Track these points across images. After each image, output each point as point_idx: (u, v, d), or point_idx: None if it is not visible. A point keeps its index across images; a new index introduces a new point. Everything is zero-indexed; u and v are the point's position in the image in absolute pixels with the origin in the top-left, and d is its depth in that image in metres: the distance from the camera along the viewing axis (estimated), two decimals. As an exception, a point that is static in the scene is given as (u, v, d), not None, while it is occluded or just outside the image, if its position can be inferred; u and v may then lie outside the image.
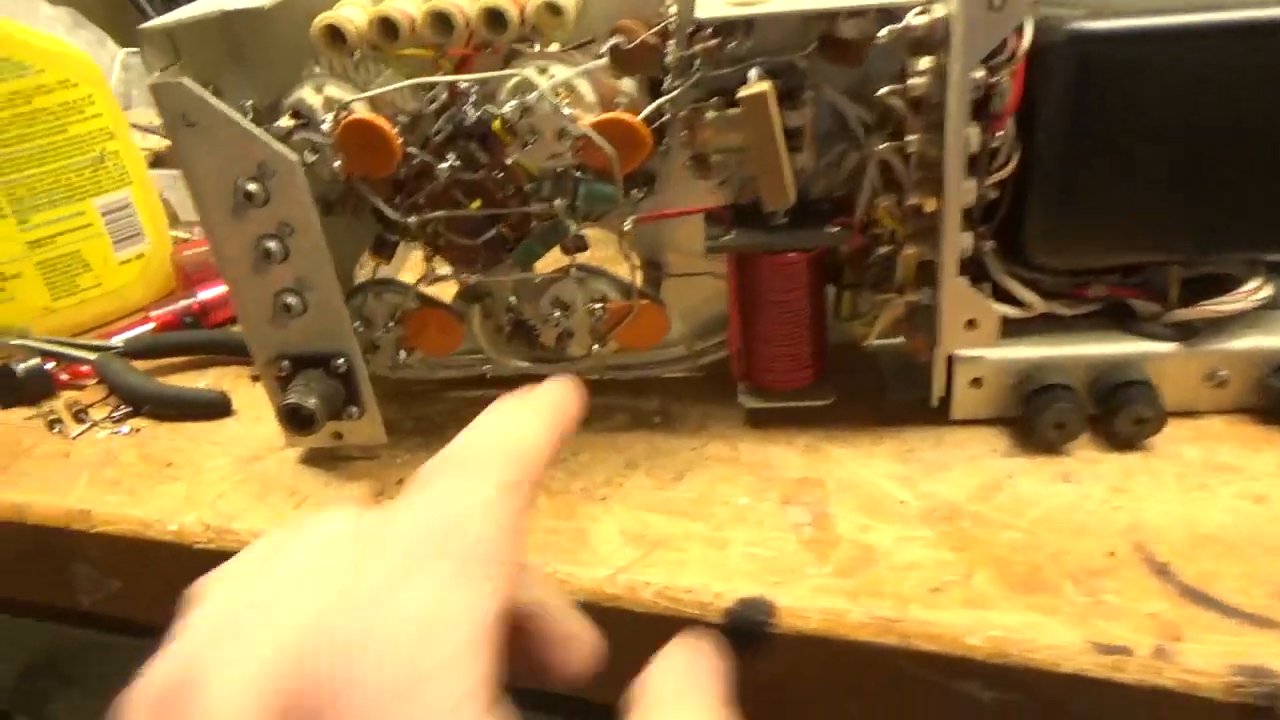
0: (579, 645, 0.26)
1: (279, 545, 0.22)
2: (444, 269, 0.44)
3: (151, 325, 0.59)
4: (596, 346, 0.45)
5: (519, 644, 0.24)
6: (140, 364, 0.56)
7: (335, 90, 0.39)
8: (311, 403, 0.42)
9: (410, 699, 0.18)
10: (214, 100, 0.37)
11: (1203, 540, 0.35)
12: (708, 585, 0.36)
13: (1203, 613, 0.32)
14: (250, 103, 0.40)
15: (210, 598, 0.22)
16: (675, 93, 0.40)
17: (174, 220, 0.72)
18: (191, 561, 0.43)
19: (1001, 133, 0.37)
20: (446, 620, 0.19)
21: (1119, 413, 0.40)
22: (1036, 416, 0.40)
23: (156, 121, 0.84)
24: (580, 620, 0.26)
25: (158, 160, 0.78)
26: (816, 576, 0.36)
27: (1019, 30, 0.35)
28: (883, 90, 0.37)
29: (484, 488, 0.22)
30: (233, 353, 0.56)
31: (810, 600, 0.34)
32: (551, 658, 0.25)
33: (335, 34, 0.39)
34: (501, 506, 0.22)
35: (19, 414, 0.54)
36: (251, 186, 0.38)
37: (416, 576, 0.20)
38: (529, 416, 0.24)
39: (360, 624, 0.19)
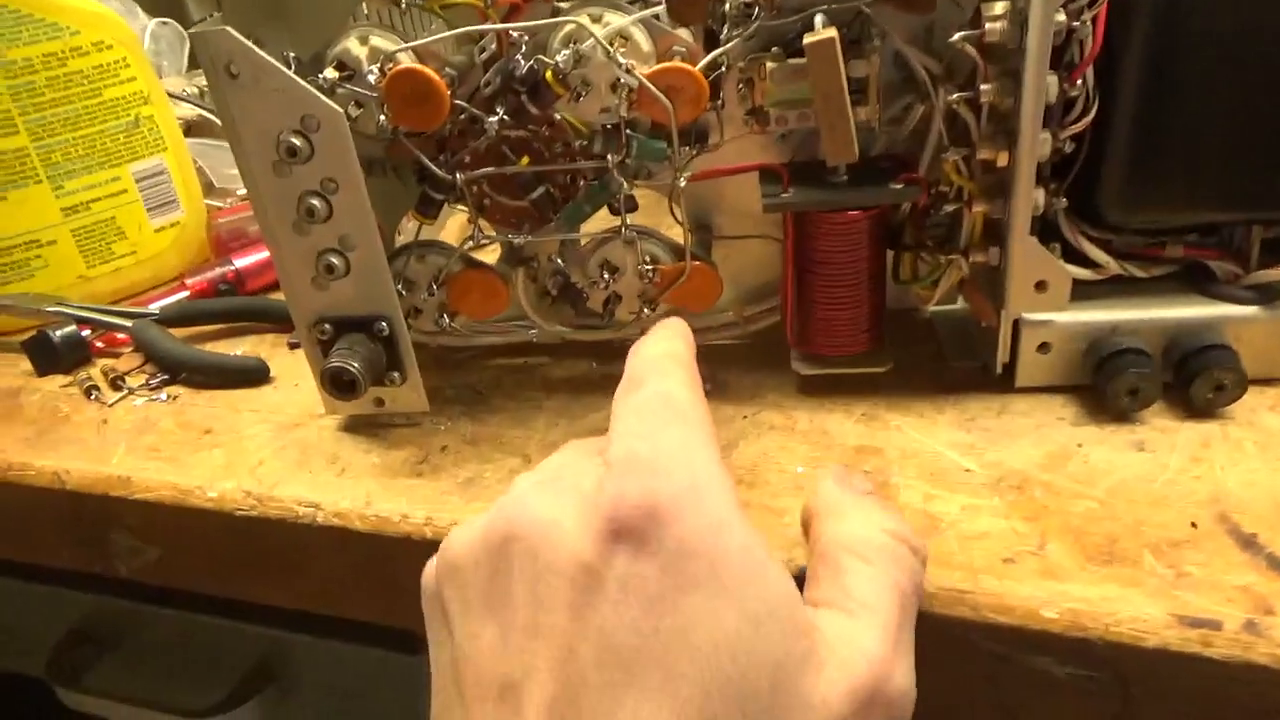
0: None
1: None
2: (489, 231, 0.43)
3: (187, 293, 0.59)
4: (646, 311, 0.43)
5: None
6: (176, 331, 0.55)
7: (381, 41, 0.38)
8: (355, 366, 0.40)
9: (695, 488, 0.25)
10: (258, 50, 0.36)
11: (1292, 511, 0.33)
12: (768, 554, 0.34)
13: (1295, 585, 0.31)
14: (293, 55, 0.39)
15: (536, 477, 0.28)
16: (733, 43, 0.38)
17: (208, 189, 0.72)
18: (231, 529, 0.42)
19: (1080, 81, 0.35)
20: (693, 445, 0.26)
21: (1196, 379, 0.38)
22: (1109, 383, 0.38)
23: (189, 89, 0.84)
24: None
25: (190, 129, 0.77)
26: (882, 546, 0.34)
27: (1103, -29, 0.33)
28: (956, 36, 0.36)
29: (674, 379, 0.29)
30: (270, 320, 0.55)
31: (877, 570, 0.33)
32: None
33: (381, -19, 0.37)
34: (695, 387, 0.29)
35: (56, 381, 0.53)
36: (295, 140, 0.37)
37: (658, 430, 0.26)
38: (671, 341, 0.31)
39: (647, 449, 0.26)
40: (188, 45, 0.97)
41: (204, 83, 0.86)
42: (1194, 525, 0.33)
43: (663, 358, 0.30)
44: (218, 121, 0.79)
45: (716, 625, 0.23)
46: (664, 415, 0.27)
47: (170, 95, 0.72)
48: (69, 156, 0.58)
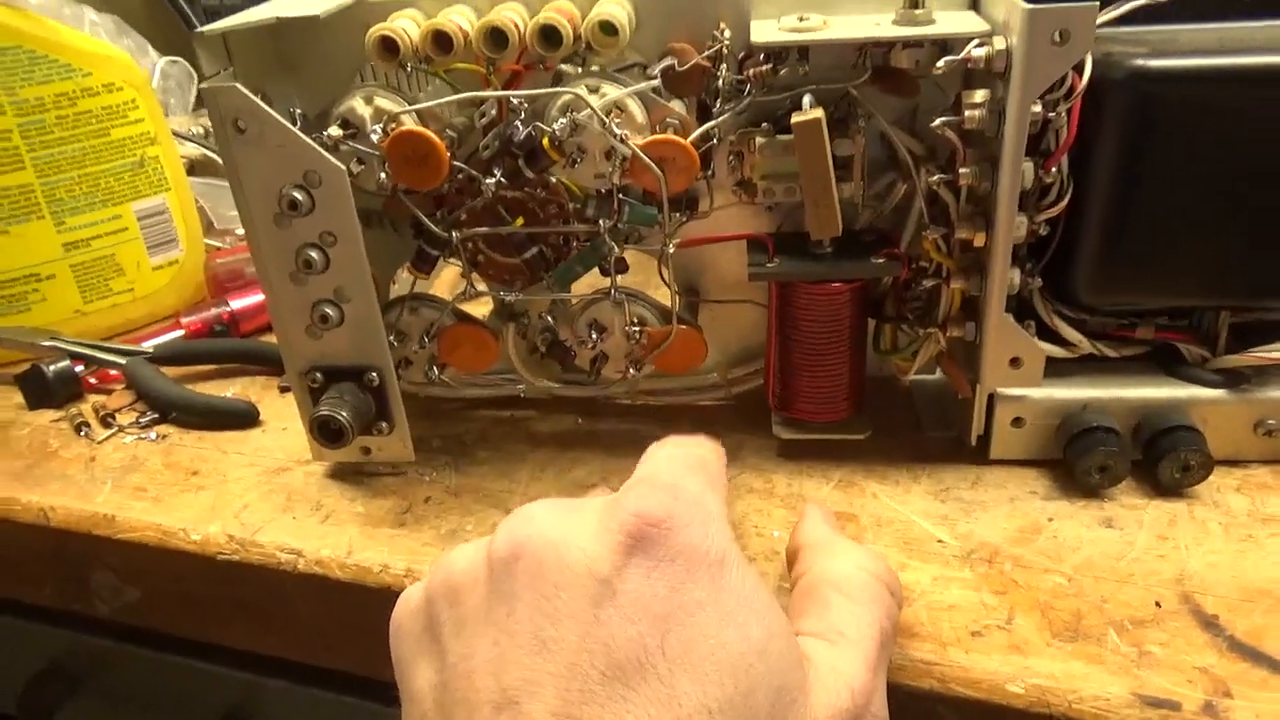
0: None
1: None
2: (482, 286, 0.44)
3: (181, 332, 0.59)
4: (632, 371, 0.44)
5: None
6: (169, 370, 0.55)
7: (385, 101, 0.39)
8: (343, 415, 0.41)
9: (706, 532, 0.26)
10: (265, 107, 0.37)
11: (1252, 593, 0.34)
12: (741, 618, 0.35)
13: (1253, 669, 0.31)
14: (299, 111, 0.40)
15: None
16: (725, 117, 0.39)
17: (208, 228, 0.73)
18: (212, 573, 0.42)
19: (1055, 169, 0.37)
20: (708, 504, 0.27)
21: (1164, 459, 0.39)
22: (1079, 459, 0.39)
23: (194, 129, 0.85)
24: None
25: (194, 168, 0.78)
26: (853, 614, 0.35)
27: (1079, 66, 0.35)
28: (937, 121, 0.37)
29: (706, 454, 0.31)
30: (262, 363, 0.56)
31: (847, 638, 0.34)
32: None
33: (388, 45, 0.39)
34: (720, 458, 0.32)
35: (47, 415, 0.53)
36: (297, 194, 0.38)
37: (684, 480, 0.28)
38: (700, 448, 0.32)
39: (667, 476, 0.28)
40: (195, 84, 0.99)
41: (209, 123, 0.87)
42: (1158, 604, 0.34)
43: (682, 464, 0.30)
44: (221, 161, 0.81)
45: (721, 647, 0.24)
46: (692, 466, 0.29)
47: (175, 134, 0.74)
48: (73, 193, 0.59)
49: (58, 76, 0.57)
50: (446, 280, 0.55)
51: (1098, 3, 0.33)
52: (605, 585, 0.24)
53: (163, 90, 0.99)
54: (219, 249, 0.69)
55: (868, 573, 0.31)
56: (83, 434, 0.51)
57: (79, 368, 0.55)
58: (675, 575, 0.25)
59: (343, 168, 0.38)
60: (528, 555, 0.26)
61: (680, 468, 0.29)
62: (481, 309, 0.47)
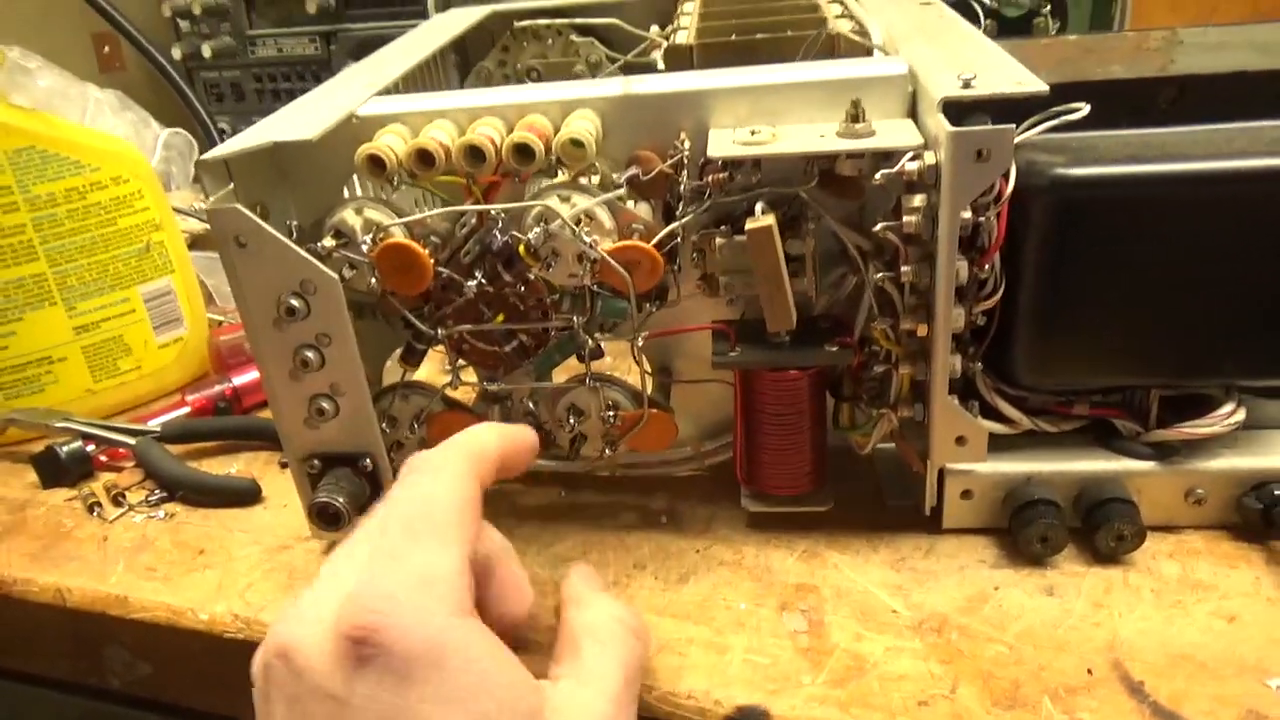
0: (524, 587, 0.36)
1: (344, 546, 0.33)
2: (467, 374, 0.47)
3: (187, 409, 0.62)
4: (608, 450, 0.47)
5: (483, 593, 0.34)
6: (175, 447, 0.58)
7: (374, 214, 0.43)
8: (340, 501, 0.44)
9: (425, 625, 0.29)
10: (264, 225, 0.40)
11: (1177, 659, 0.37)
12: (708, 691, 0.38)
13: (1175, 732, 0.34)
14: (294, 222, 0.44)
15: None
16: (687, 219, 0.43)
17: (209, 301, 0.76)
18: (219, 649, 0.45)
19: (989, 265, 0.40)
20: (435, 570, 0.30)
21: (1100, 529, 0.42)
22: (1022, 530, 0.42)
23: (196, 204, 0.89)
24: (522, 568, 0.37)
25: (195, 242, 0.82)
26: (810, 685, 0.38)
27: (1005, 174, 0.38)
28: (879, 225, 0.40)
29: (443, 478, 0.33)
30: (263, 439, 0.59)
31: (804, 710, 0.36)
32: (506, 598, 0.35)
33: (376, 162, 0.42)
34: (457, 489, 0.33)
35: (60, 495, 0.57)
36: (294, 301, 0.42)
37: (410, 546, 0.31)
38: (488, 433, 0.37)
39: (386, 583, 0.29)
40: (196, 154, 1.03)
41: (211, 195, 0.91)
42: (1090, 672, 0.37)
43: (455, 449, 0.35)
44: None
45: None
46: (418, 528, 0.31)
47: (177, 210, 0.77)
48: (83, 280, 0.63)
49: (68, 173, 0.61)
50: (436, 359, 0.58)
51: (1014, 125, 0.37)
52: (339, 702, 0.28)
53: (165, 160, 1.03)
54: (221, 323, 0.72)
55: (614, 619, 0.35)
56: (95, 513, 0.54)
57: (90, 447, 0.58)
58: (398, 683, 0.28)
59: (336, 278, 0.41)
60: (276, 666, 0.30)
61: (405, 537, 0.31)
62: (467, 391, 0.50)
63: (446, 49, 0.64)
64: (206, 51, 1.01)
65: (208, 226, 0.84)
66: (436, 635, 0.29)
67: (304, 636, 0.29)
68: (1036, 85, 0.38)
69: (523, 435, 0.39)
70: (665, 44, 0.63)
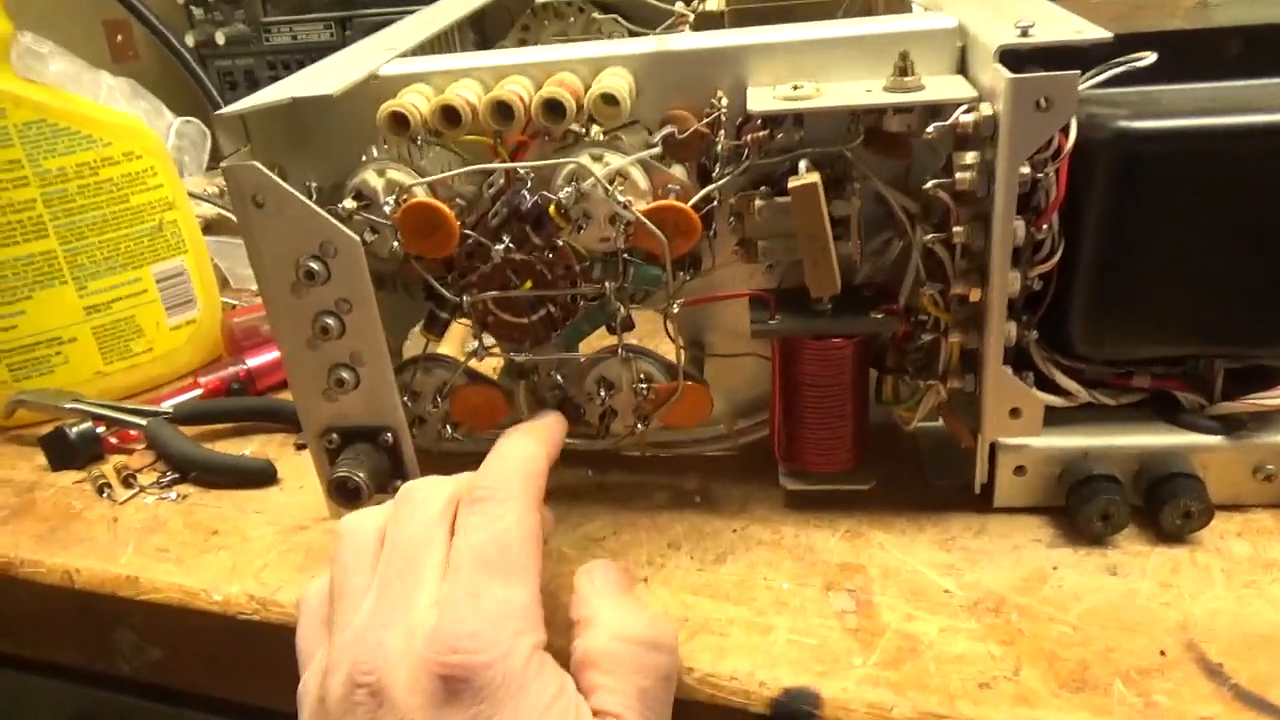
0: None
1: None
2: (492, 344, 0.45)
3: (199, 391, 0.61)
4: (640, 426, 0.45)
5: None
6: (187, 429, 0.57)
7: (397, 174, 0.41)
8: (360, 476, 0.42)
9: (506, 659, 0.30)
10: (282, 183, 0.39)
11: (1256, 641, 0.35)
12: (752, 673, 0.36)
13: (1260, 718, 0.32)
14: (314, 184, 0.42)
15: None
16: (724, 181, 0.41)
17: (223, 285, 0.74)
18: (233, 632, 0.43)
19: (1046, 226, 0.38)
20: (513, 606, 0.31)
21: (1165, 506, 0.40)
22: (1081, 507, 0.40)
23: (210, 189, 0.87)
24: None
25: (209, 227, 0.80)
26: (862, 667, 0.35)
27: (1065, 128, 0.36)
28: (930, 183, 0.38)
29: (511, 512, 0.34)
30: (278, 420, 0.57)
31: (856, 692, 0.34)
32: None
33: (399, 120, 0.40)
34: (526, 522, 0.34)
35: (69, 476, 0.55)
36: (314, 265, 0.40)
37: (488, 583, 0.32)
38: (532, 446, 0.37)
39: (469, 621, 0.31)
40: (209, 143, 1.01)
41: (224, 183, 0.89)
42: (1163, 653, 0.35)
43: (515, 475, 0.35)
44: (235, 220, 0.83)
45: None
46: (494, 565, 0.32)
47: (191, 194, 0.76)
48: (94, 259, 0.61)
49: (79, 147, 0.59)
50: (456, 333, 0.56)
51: (1079, 72, 0.34)
52: None
53: (177, 149, 1.01)
54: (235, 307, 0.70)
55: (621, 641, 0.33)
56: (105, 495, 0.52)
57: (100, 429, 0.57)
58: (484, 714, 0.29)
59: (357, 239, 0.40)
60: (363, 700, 0.30)
61: (482, 576, 0.32)
62: (491, 364, 0.48)
63: (464, 26, 0.63)
64: (220, 38, 1.00)
65: (221, 211, 0.83)
66: (519, 669, 0.30)
67: (393, 673, 0.30)
68: (1098, 33, 0.36)
69: (559, 430, 0.41)
70: (694, 16, 0.61)
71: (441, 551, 0.33)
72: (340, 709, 0.31)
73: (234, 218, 0.81)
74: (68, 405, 0.58)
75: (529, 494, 0.35)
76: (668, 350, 0.45)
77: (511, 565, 0.32)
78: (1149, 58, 0.36)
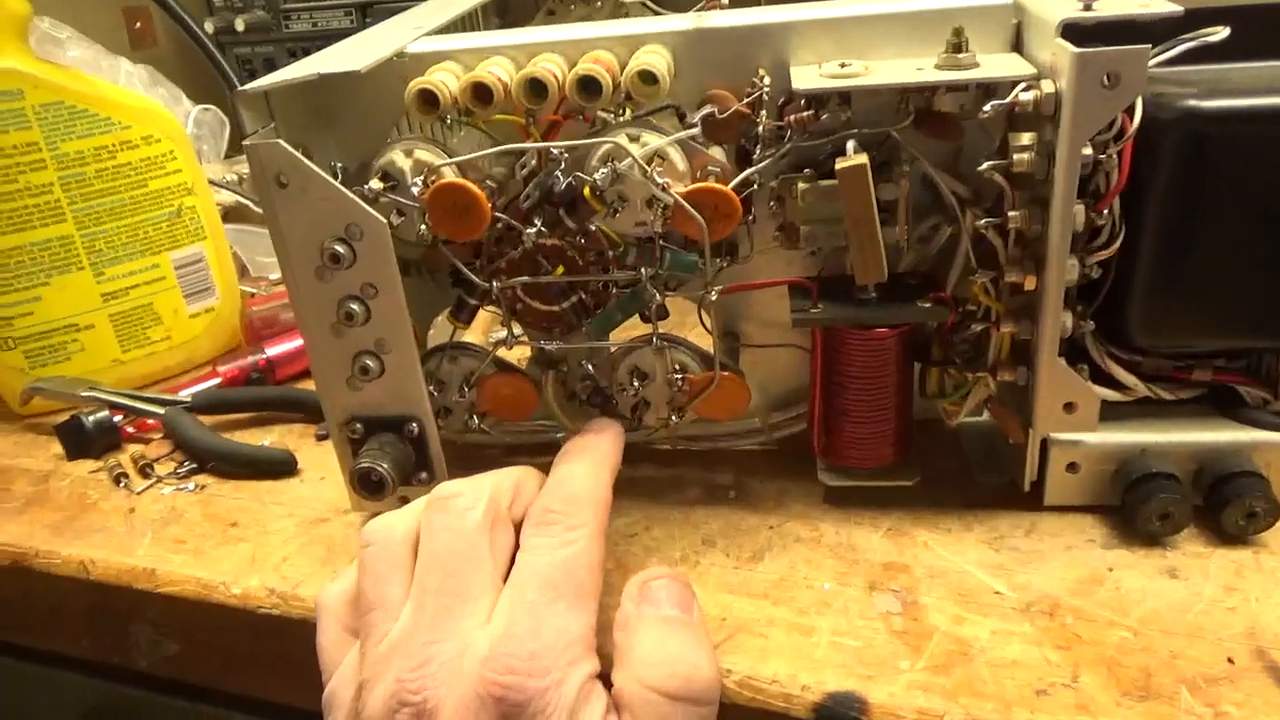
0: None
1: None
2: (521, 333, 0.44)
3: (218, 380, 0.59)
4: (674, 418, 0.44)
5: None
6: (206, 419, 0.55)
7: (425, 154, 0.39)
8: (384, 467, 0.41)
9: (560, 685, 0.30)
10: (308, 162, 0.37)
11: (1331, 649, 0.33)
12: (794, 676, 0.34)
13: (1337, 730, 0.30)
14: (339, 164, 0.41)
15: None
16: (765, 163, 0.39)
17: (242, 274, 0.73)
18: (252, 627, 0.42)
19: (1107, 211, 0.36)
20: (572, 634, 0.31)
21: (1227, 506, 0.38)
22: (1139, 506, 0.38)
23: (229, 176, 0.86)
24: None
25: (228, 214, 0.79)
26: (910, 671, 0.34)
27: (1129, 108, 0.34)
28: (984, 165, 0.36)
29: (581, 539, 0.33)
30: (299, 410, 0.56)
31: (905, 698, 0.33)
32: None
33: (428, 98, 0.39)
34: (594, 549, 0.33)
35: (85, 466, 0.53)
36: (339, 248, 0.38)
37: (551, 607, 0.31)
38: (601, 471, 0.36)
39: (528, 644, 0.30)
40: (228, 131, 1.00)
41: (243, 170, 0.88)
42: (1230, 660, 0.33)
43: (586, 501, 0.34)
44: (255, 208, 0.81)
45: None
46: (560, 590, 0.31)
47: (210, 182, 0.74)
48: (112, 244, 0.60)
49: (98, 130, 0.58)
50: (480, 320, 0.55)
51: (1150, 46, 0.33)
52: None
53: (196, 137, 1.00)
54: (254, 295, 0.69)
55: (656, 694, 0.31)
56: (121, 485, 0.51)
57: (117, 417, 0.55)
58: None
59: (384, 220, 0.38)
60: (408, 712, 0.29)
61: (544, 599, 0.31)
62: (515, 352, 0.46)
63: (488, 10, 0.61)
64: (240, 25, 0.99)
65: (240, 199, 0.82)
66: (571, 699, 0.29)
67: (442, 691, 0.29)
68: (1167, 7, 0.34)
69: (620, 448, 0.39)
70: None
71: (488, 566, 0.32)
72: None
73: (253, 205, 0.81)
74: (84, 393, 0.57)
75: (597, 520, 0.34)
76: (697, 339, 0.44)
77: (576, 591, 0.32)
78: (1220, 33, 0.35)
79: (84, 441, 0.54)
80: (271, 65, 1.02)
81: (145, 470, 0.52)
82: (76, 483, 0.52)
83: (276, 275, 0.76)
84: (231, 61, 1.01)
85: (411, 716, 0.29)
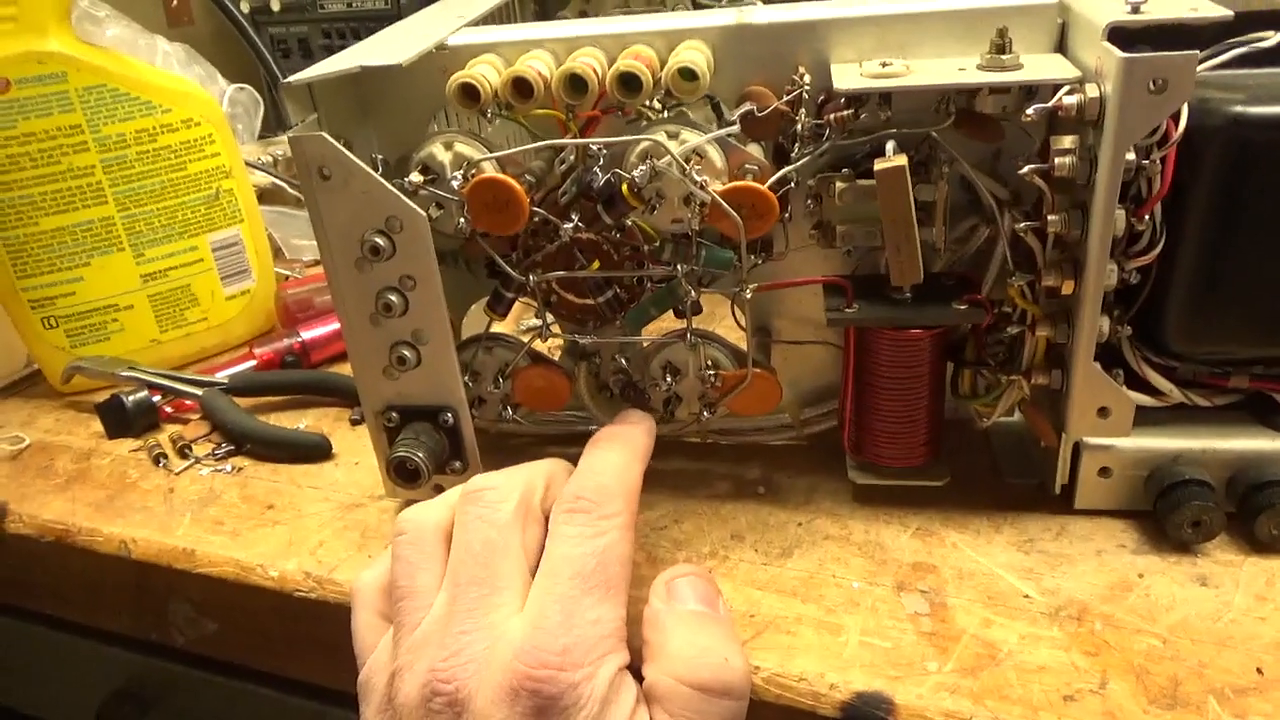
0: None
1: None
2: (556, 326, 0.44)
3: (254, 362, 0.60)
4: (705, 414, 0.44)
5: None
6: (242, 401, 0.56)
7: (465, 148, 0.40)
8: (419, 456, 0.41)
9: (592, 679, 0.30)
10: (350, 155, 0.37)
11: (1362, 662, 0.33)
12: (822, 675, 0.34)
13: (1367, 745, 0.30)
14: (380, 157, 0.41)
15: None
16: (803, 161, 0.39)
17: (277, 255, 0.74)
18: (289, 609, 0.43)
19: (1147, 217, 0.36)
20: (604, 626, 0.31)
21: (1260, 515, 0.38)
22: (1171, 513, 0.38)
23: (264, 157, 0.87)
24: None
25: (263, 196, 0.80)
26: (937, 673, 0.34)
27: (1175, 114, 0.34)
28: (1025, 168, 0.36)
29: (614, 531, 0.33)
30: (334, 394, 0.57)
31: (932, 700, 0.33)
32: None
33: (469, 92, 0.39)
34: (624, 541, 0.33)
35: (125, 445, 0.55)
36: (379, 240, 0.39)
37: (583, 600, 0.31)
38: (633, 462, 0.37)
39: (561, 636, 0.30)
40: (262, 110, 1.01)
41: (279, 151, 0.89)
42: (1260, 671, 0.33)
43: (617, 491, 0.34)
44: (291, 190, 0.82)
45: None
46: (593, 582, 0.32)
47: (246, 164, 0.75)
48: (151, 226, 0.61)
49: (139, 113, 0.59)
50: (514, 319, 0.55)
51: (1198, 52, 0.32)
52: None
53: (231, 116, 1.00)
54: (289, 278, 0.70)
55: (687, 686, 0.31)
56: (160, 465, 0.52)
57: (156, 398, 0.56)
58: None
59: (423, 213, 0.38)
60: (442, 710, 0.30)
61: (577, 590, 0.31)
62: (548, 344, 0.47)
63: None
64: (275, 4, 0.99)
65: (275, 181, 0.83)
66: (603, 691, 0.30)
67: (474, 682, 0.30)
68: (1217, 10, 0.34)
69: (651, 440, 0.39)
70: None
71: (518, 557, 0.33)
72: (415, 715, 0.30)
73: (288, 188, 0.81)
74: (123, 373, 0.58)
75: (629, 512, 0.34)
76: (726, 332, 0.44)
77: (607, 583, 0.32)
78: (1272, 38, 0.34)
79: (124, 421, 0.55)
80: (306, 45, 1.02)
81: (184, 451, 0.53)
82: (117, 461, 0.53)
83: (310, 257, 0.76)
84: (266, 40, 1.02)
85: (445, 705, 0.30)
